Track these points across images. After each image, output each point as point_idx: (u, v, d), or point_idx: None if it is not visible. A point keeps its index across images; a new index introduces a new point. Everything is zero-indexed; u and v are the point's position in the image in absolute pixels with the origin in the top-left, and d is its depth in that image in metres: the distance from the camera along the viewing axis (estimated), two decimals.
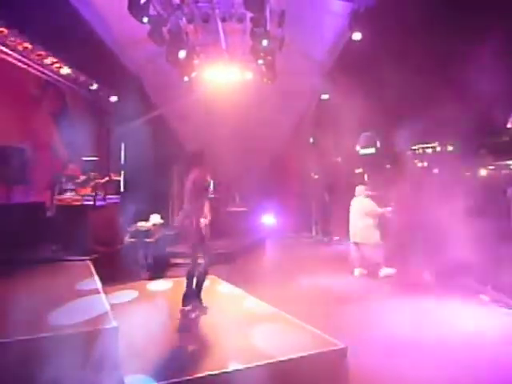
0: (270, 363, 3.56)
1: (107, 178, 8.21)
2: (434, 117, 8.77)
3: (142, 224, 8.53)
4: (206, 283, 5.29)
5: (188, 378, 3.32)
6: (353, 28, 7.63)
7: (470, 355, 4.34)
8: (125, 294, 5.69)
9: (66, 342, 3.20)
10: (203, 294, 5.16)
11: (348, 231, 8.28)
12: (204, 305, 5.08)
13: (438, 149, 14.16)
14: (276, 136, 13.01)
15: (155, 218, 8.95)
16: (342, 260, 8.83)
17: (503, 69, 6.90)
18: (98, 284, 4.83)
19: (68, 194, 7.38)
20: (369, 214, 7.90)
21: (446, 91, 8.01)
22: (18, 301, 4.17)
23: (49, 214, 7.53)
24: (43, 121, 9.23)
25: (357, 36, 7.75)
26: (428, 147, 14.62)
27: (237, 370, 3.47)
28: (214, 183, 5.49)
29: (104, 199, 7.74)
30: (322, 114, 13.04)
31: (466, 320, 5.42)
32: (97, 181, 7.96)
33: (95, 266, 5.79)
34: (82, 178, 7.86)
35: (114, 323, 3.44)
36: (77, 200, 7.19)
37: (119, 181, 10.14)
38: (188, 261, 5.29)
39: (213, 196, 6.27)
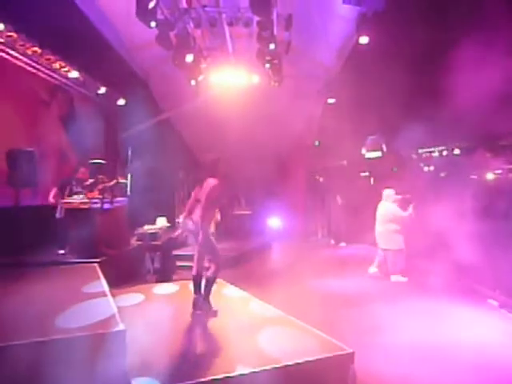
0: (277, 367, 3.54)
1: (114, 181, 8.24)
2: (441, 120, 8.75)
3: (148, 227, 8.56)
4: (213, 286, 5.28)
5: (195, 381, 3.32)
6: (360, 32, 7.62)
7: (478, 361, 4.30)
8: (131, 297, 5.69)
9: (73, 344, 3.21)
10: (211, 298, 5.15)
11: (361, 235, 8.22)
12: (214, 309, 5.05)
13: (445, 153, 14.12)
14: (282, 139, 13.01)
15: (162, 221, 8.99)
16: (350, 263, 8.79)
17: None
18: (105, 287, 4.84)
19: (77, 197, 7.43)
20: (393, 220, 7.82)
21: (453, 95, 7.98)
22: (25, 303, 4.20)
23: (57, 216, 7.59)
24: (52, 124, 9.32)
25: (364, 40, 7.74)
26: (434, 151, 14.59)
27: (243, 374, 3.46)
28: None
29: (111, 202, 7.76)
30: (327, 117, 13.04)
31: (475, 325, 5.37)
32: (104, 184, 7.99)
33: (102, 269, 5.80)
34: (90, 181, 7.90)
35: (121, 326, 3.44)
36: (84, 203, 7.22)
37: (126, 184, 10.18)
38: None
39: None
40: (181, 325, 4.76)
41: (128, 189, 10.49)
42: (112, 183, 8.16)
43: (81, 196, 7.49)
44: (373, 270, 8.02)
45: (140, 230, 8.52)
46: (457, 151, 13.43)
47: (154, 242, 8.29)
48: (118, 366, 3.26)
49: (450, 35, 7.35)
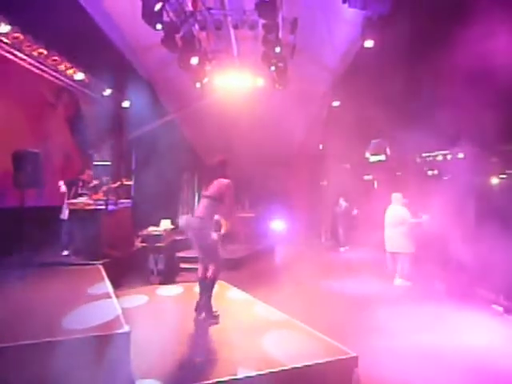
0: (280, 370, 3.53)
1: (119, 183, 8.27)
2: (446, 124, 8.73)
3: (152, 229, 8.57)
4: (216, 289, 5.26)
5: (199, 383, 3.32)
6: (365, 36, 7.61)
7: (482, 366, 4.28)
8: (135, 299, 5.70)
9: (77, 345, 3.21)
10: (213, 300, 5.14)
11: (364, 238, 8.20)
12: (217, 313, 5.00)
13: (449, 157, 14.07)
14: (286, 142, 13.02)
15: (166, 223, 9.00)
16: (354, 266, 8.77)
17: None
18: (110, 288, 4.85)
19: (82, 199, 7.46)
20: (403, 224, 7.80)
21: (458, 98, 7.97)
22: (30, 304, 4.22)
23: (61, 217, 7.63)
24: (57, 126, 9.36)
25: (369, 44, 7.73)
26: (438, 155, 14.54)
27: (247, 376, 3.45)
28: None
29: (116, 204, 7.79)
30: (332, 120, 13.05)
31: (479, 330, 5.35)
32: (109, 186, 8.03)
33: (106, 271, 5.82)
34: (95, 182, 7.94)
35: (125, 327, 3.45)
36: (89, 204, 7.25)
37: (130, 185, 10.22)
38: (197, 266, 5.26)
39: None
40: (185, 326, 4.75)
41: (132, 190, 10.53)
42: (117, 185, 8.20)
43: (85, 197, 7.53)
44: (398, 281, 7.80)
45: (144, 232, 8.54)
46: (461, 155, 13.38)
47: (158, 244, 8.30)
48: (122, 368, 3.27)
49: (456, 39, 7.34)
